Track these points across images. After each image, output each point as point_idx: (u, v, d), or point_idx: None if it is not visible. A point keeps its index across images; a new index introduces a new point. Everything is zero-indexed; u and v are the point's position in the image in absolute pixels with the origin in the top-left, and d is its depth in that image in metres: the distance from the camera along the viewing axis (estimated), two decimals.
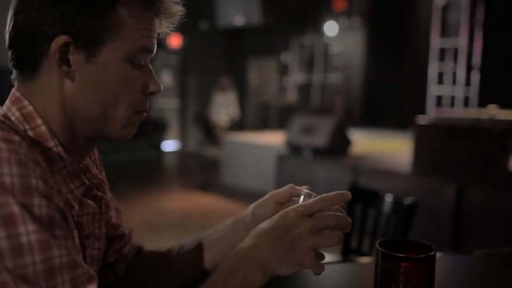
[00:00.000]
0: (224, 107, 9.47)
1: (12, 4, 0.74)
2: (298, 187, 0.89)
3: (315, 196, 0.79)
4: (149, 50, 0.78)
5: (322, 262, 0.74)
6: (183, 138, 11.30)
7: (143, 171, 8.02)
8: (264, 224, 0.76)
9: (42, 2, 0.71)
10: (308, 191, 0.83)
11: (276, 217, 0.76)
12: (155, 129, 8.62)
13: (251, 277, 0.72)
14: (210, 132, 10.10)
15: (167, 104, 10.81)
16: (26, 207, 0.61)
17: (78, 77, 0.74)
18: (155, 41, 0.79)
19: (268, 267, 0.72)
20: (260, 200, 0.92)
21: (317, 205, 0.74)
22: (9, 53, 0.75)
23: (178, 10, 0.79)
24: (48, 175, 0.66)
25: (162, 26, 0.80)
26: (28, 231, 0.61)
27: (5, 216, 0.60)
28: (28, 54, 0.73)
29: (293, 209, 0.75)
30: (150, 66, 0.80)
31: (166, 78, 10.67)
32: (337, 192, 0.75)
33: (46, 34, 0.71)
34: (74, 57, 0.73)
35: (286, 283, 1.10)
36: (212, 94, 9.73)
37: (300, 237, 0.72)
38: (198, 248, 0.96)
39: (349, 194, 0.75)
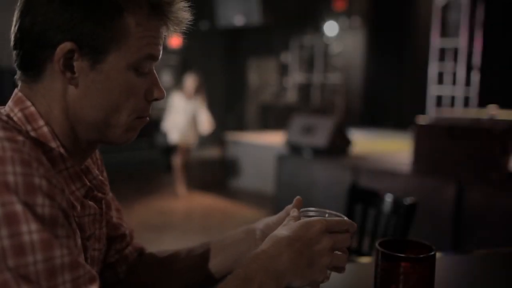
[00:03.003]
0: (188, 121, 6.05)
1: (18, 4, 0.73)
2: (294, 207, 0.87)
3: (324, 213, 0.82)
4: (154, 57, 0.77)
5: None
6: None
7: (143, 171, 8.02)
8: (284, 231, 0.75)
9: (47, 6, 0.70)
10: (317, 209, 0.83)
11: (297, 225, 0.75)
12: (155, 129, 8.61)
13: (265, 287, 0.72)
14: (167, 156, 6.91)
15: (167, 104, 10.79)
16: (29, 206, 0.61)
17: (81, 83, 0.73)
18: (161, 48, 0.78)
19: (284, 279, 0.72)
20: (276, 215, 0.93)
21: (339, 225, 0.76)
22: (14, 53, 0.75)
23: (186, 17, 0.78)
24: (52, 174, 0.66)
25: (169, 32, 0.78)
26: (30, 230, 0.61)
27: (8, 214, 0.60)
28: (32, 57, 0.73)
29: (318, 221, 0.75)
30: (155, 72, 0.79)
31: (166, 78, 10.65)
32: (352, 222, 0.78)
33: (51, 39, 0.71)
34: (79, 64, 0.72)
35: None
36: (171, 99, 6.23)
37: (320, 254, 0.73)
38: (206, 253, 0.96)
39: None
